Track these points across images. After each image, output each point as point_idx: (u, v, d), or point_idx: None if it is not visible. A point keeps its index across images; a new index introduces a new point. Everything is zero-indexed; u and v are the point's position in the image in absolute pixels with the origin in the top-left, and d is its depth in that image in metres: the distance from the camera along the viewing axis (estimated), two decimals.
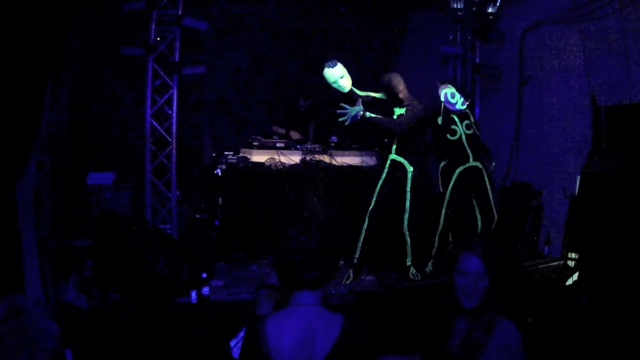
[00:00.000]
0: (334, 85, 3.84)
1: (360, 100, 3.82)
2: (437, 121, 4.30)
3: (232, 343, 2.58)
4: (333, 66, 3.75)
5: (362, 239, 4.01)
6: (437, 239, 4.19)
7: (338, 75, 3.78)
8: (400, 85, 3.98)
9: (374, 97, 4.06)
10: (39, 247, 3.20)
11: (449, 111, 4.22)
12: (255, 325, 1.65)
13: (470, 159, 4.19)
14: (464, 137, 4.20)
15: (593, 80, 4.51)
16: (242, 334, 2.55)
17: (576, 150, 4.71)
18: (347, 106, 3.68)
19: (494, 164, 4.46)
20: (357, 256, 4.04)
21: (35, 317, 1.22)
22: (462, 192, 4.27)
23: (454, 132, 4.21)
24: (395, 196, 4.03)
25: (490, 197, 4.27)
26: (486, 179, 4.26)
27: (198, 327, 3.29)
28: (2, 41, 2.77)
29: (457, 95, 4.17)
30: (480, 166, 4.23)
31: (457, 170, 4.19)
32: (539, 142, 5.16)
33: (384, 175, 4.08)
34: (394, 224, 4.04)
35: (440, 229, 4.17)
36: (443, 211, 4.18)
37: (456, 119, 4.21)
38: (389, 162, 4.10)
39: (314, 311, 1.65)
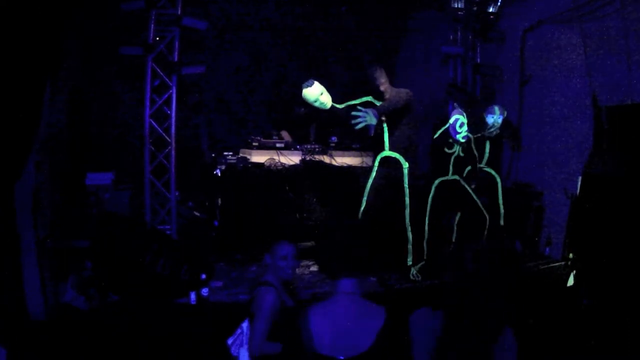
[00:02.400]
0: (316, 104, 3.80)
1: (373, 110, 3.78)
2: (439, 128, 4.33)
3: (230, 341, 2.59)
4: (310, 85, 3.73)
5: None
6: (425, 245, 4.17)
7: (318, 93, 3.75)
8: (382, 78, 3.99)
9: (355, 105, 4.00)
10: (37, 247, 3.20)
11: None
12: (298, 315, 1.66)
13: (449, 173, 4.28)
14: (454, 155, 4.27)
15: (594, 80, 4.49)
16: (239, 331, 2.56)
17: (577, 150, 4.69)
18: (363, 110, 3.63)
19: (473, 186, 4.50)
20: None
21: None
22: (445, 202, 4.33)
23: (451, 146, 4.26)
24: (391, 194, 4.01)
25: (478, 201, 4.33)
26: (467, 187, 4.32)
27: (197, 328, 3.27)
28: (1, 41, 2.76)
29: (465, 127, 4.19)
30: (459, 178, 4.30)
31: (436, 182, 4.25)
32: (540, 142, 5.14)
33: (373, 174, 4.05)
34: (393, 223, 4.03)
35: (426, 237, 4.15)
36: (427, 220, 4.18)
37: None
38: (378, 160, 4.06)
39: (355, 301, 1.67)
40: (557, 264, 4.58)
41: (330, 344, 1.58)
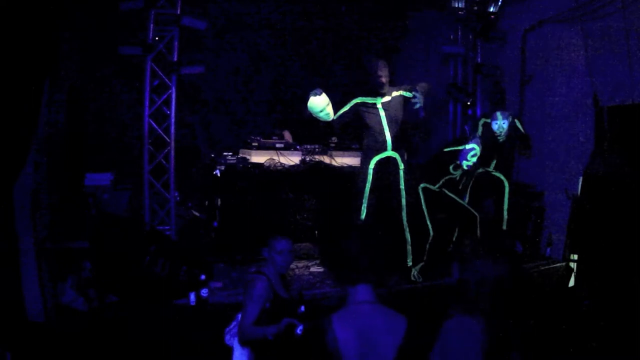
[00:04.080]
0: (320, 114, 3.73)
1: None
2: (453, 145, 4.36)
3: (227, 329, 2.63)
4: (319, 94, 3.64)
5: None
6: (427, 246, 4.14)
7: (325, 104, 3.69)
8: (385, 71, 3.94)
9: (345, 111, 3.94)
10: (36, 248, 3.18)
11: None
12: (322, 325, 1.63)
13: (436, 186, 4.32)
14: (452, 177, 4.32)
15: (595, 80, 4.47)
16: (234, 322, 2.59)
17: (578, 151, 4.67)
18: (419, 92, 3.80)
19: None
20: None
21: None
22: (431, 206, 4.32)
23: (457, 169, 4.28)
24: (388, 196, 3.97)
25: (463, 202, 4.36)
26: (449, 194, 4.36)
27: (197, 329, 3.26)
28: None
29: (474, 159, 4.15)
30: (438, 189, 4.35)
31: (421, 185, 4.24)
32: (541, 142, 5.12)
33: (370, 178, 3.91)
34: (391, 224, 4.00)
35: (430, 237, 4.12)
36: (428, 221, 4.15)
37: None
38: (375, 162, 3.93)
39: (374, 310, 1.66)
40: (557, 264, 4.57)
41: (357, 353, 1.58)
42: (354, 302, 1.67)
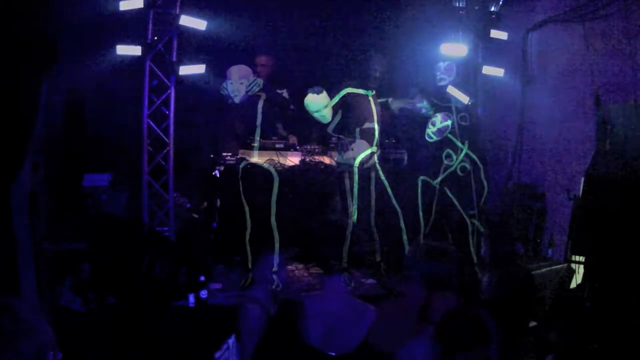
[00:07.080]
0: (317, 114, 3.67)
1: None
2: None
3: (217, 355, 2.56)
4: (318, 93, 3.56)
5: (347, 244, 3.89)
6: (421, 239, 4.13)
7: (324, 104, 3.62)
8: (383, 67, 3.95)
9: (336, 103, 3.92)
10: (34, 249, 3.17)
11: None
12: (292, 305, 1.72)
13: (435, 181, 4.23)
14: (450, 169, 4.20)
15: (597, 80, 4.45)
16: (225, 346, 2.54)
17: (580, 151, 4.65)
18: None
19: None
20: (345, 260, 3.91)
21: (22, 313, 1.17)
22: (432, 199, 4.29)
23: (450, 158, 4.19)
24: (373, 190, 3.98)
25: (457, 204, 4.29)
26: (450, 194, 4.29)
27: (196, 331, 3.24)
28: None
29: (434, 129, 4.06)
30: (439, 185, 4.28)
31: (420, 179, 4.19)
32: (543, 143, 5.11)
33: (356, 177, 3.85)
34: (386, 218, 3.99)
35: (422, 233, 4.11)
36: (421, 215, 4.12)
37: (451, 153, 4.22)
38: (358, 161, 3.88)
39: (344, 300, 1.73)
40: (559, 266, 4.54)
41: (323, 339, 1.63)
42: (324, 290, 1.77)
